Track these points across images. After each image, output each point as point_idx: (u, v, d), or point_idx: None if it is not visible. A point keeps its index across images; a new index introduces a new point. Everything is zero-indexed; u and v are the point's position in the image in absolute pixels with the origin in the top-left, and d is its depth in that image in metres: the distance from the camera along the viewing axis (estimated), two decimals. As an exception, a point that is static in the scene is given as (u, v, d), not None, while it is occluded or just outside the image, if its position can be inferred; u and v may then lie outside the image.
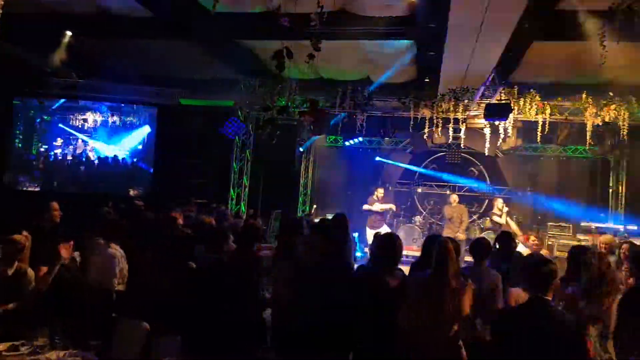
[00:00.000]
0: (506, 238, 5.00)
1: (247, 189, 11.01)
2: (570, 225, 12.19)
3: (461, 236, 9.39)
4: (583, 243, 10.54)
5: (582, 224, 11.88)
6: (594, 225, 11.35)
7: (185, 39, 9.72)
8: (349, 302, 3.48)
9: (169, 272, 4.08)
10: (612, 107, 8.85)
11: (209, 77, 11.91)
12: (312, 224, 5.77)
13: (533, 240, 7.03)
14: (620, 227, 10.97)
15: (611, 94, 8.98)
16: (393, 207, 10.87)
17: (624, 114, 8.87)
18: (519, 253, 5.05)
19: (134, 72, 11.91)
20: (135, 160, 13.42)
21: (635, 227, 11.11)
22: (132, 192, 13.32)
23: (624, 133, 9.15)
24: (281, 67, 3.88)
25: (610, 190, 13.04)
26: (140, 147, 13.45)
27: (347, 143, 12.71)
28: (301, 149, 12.58)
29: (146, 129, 13.25)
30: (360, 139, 11.84)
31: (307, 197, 13.98)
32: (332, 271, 3.65)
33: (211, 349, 3.52)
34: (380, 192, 10.56)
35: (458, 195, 10.73)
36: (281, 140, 10.10)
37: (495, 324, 3.16)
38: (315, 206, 12.94)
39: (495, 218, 10.08)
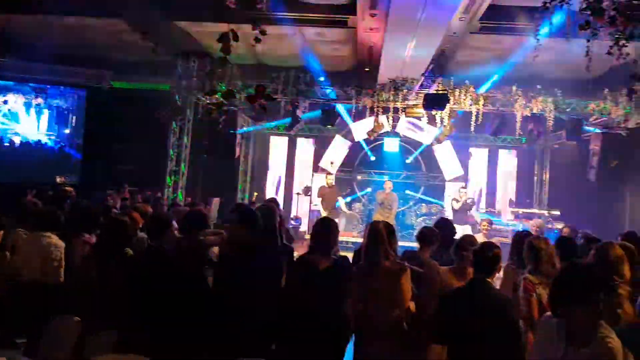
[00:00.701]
0: (445, 224, 5.16)
1: (184, 177, 10.68)
2: (500, 211, 12.88)
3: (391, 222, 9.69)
4: (511, 228, 11.20)
5: (511, 209, 12.57)
6: (521, 210, 12.03)
7: (116, 17, 9.26)
8: (274, 286, 3.44)
9: (105, 263, 3.88)
10: (540, 99, 9.35)
11: (144, 58, 11.41)
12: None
13: (484, 227, 7.42)
14: (545, 212, 11.68)
15: (539, 86, 9.47)
16: (341, 198, 11.04)
17: (550, 105, 9.40)
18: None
19: (61, 52, 11.20)
20: (62, 145, 12.66)
21: (558, 212, 11.88)
22: (59, 180, 12.60)
23: (549, 124, 9.71)
24: (227, 51, 3.75)
25: (535, 177, 13.86)
26: (67, 131, 12.72)
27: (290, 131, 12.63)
28: (238, 134, 12.34)
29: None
30: (302, 126, 11.82)
31: (247, 185, 13.81)
32: (257, 261, 3.52)
33: (151, 344, 3.36)
34: (330, 179, 10.75)
35: (395, 182, 11.03)
36: (221, 126, 9.95)
37: (440, 304, 3.25)
38: (256, 194, 12.81)
39: (454, 203, 10.52)
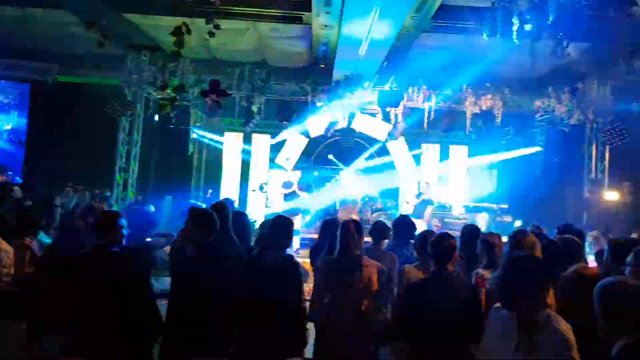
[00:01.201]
0: (405, 221, 5.27)
1: (135, 174, 10.38)
2: (452, 205, 13.22)
3: (355, 217, 9.80)
4: (462, 221, 11.54)
5: (462, 203, 12.95)
6: (471, 204, 12.42)
7: (58, 8, 8.87)
8: (230, 287, 3.43)
9: (53, 266, 3.73)
10: (489, 96, 9.68)
11: (92, 52, 11.00)
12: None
13: (435, 224, 7.67)
14: (494, 206, 12.11)
15: (488, 84, 9.79)
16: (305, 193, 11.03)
17: (498, 103, 9.75)
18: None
19: (3, 44, 10.62)
20: (5, 142, 12.05)
21: (507, 206, 12.35)
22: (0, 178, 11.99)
23: (498, 120, 10.08)
24: (180, 44, 3.68)
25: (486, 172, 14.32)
26: (8, 127, 12.10)
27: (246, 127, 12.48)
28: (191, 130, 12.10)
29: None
30: (258, 122, 11.74)
31: (201, 182, 13.58)
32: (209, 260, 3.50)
33: (99, 347, 3.27)
34: (297, 173, 10.72)
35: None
36: (177, 122, 9.77)
37: (405, 296, 3.32)
38: (210, 190, 12.62)
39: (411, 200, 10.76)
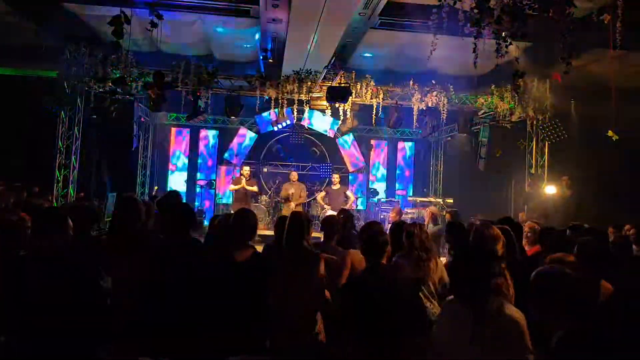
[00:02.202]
0: (346, 214, 5.33)
1: (75, 171, 9.92)
2: (399, 200, 13.48)
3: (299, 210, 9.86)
4: (410, 215, 11.77)
5: (409, 198, 13.21)
6: (418, 199, 12.68)
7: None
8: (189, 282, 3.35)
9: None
10: (434, 93, 9.89)
11: (28, 43, 10.42)
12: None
13: (393, 217, 7.79)
14: (440, 200, 12.41)
15: (433, 82, 10.00)
16: (256, 189, 10.86)
17: (443, 100, 9.97)
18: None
19: None
20: None
21: (451, 200, 12.69)
22: None
23: (443, 117, 10.32)
24: (119, 35, 3.52)
25: (431, 168, 14.68)
26: None
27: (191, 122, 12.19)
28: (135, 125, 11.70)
29: None
30: (207, 117, 11.52)
31: (146, 178, 13.18)
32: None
33: (48, 347, 3.09)
34: (246, 170, 10.56)
35: (300, 174, 11.11)
36: (116, 116, 9.37)
37: (344, 291, 3.33)
38: (156, 187, 12.27)
39: (348, 193, 10.81)
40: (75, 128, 9.79)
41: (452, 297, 2.60)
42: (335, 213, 7.27)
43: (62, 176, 9.72)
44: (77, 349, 3.06)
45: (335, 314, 3.41)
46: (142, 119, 12.34)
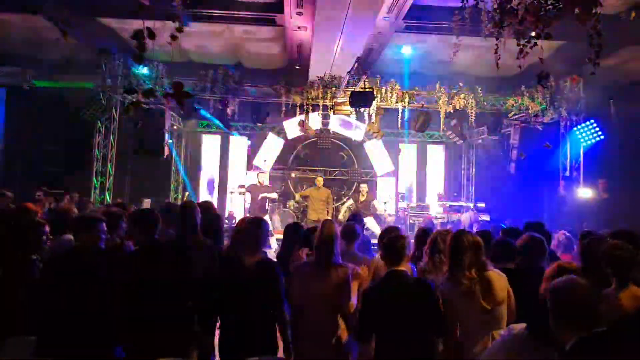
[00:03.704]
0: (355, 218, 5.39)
1: (112, 177, 10.32)
2: (428, 204, 13.32)
3: (326, 217, 9.91)
4: (440, 220, 11.66)
5: (439, 203, 13.06)
6: (448, 204, 12.53)
7: (33, 13, 8.83)
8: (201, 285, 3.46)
9: (16, 267, 3.73)
10: (462, 96, 9.77)
11: (66, 57, 10.93)
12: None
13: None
14: (471, 205, 12.23)
15: (461, 84, 9.89)
16: (275, 196, 10.98)
17: (471, 102, 9.84)
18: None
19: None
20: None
21: (484, 205, 12.48)
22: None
23: (472, 120, 10.18)
24: (142, 48, 3.66)
25: (462, 171, 14.47)
26: (-16, 132, 11.96)
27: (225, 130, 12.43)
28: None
29: None
30: (235, 124, 11.75)
31: (179, 185, 13.53)
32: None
33: (69, 348, 3.27)
34: (262, 177, 10.62)
35: (329, 179, 11.17)
36: (150, 125, 9.69)
37: (363, 297, 3.35)
38: (187, 193, 12.58)
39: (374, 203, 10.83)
40: (111, 137, 10.18)
41: (522, 328, 2.37)
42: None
43: (99, 183, 10.12)
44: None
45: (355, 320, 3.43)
46: (175, 127, 12.69)
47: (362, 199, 10.45)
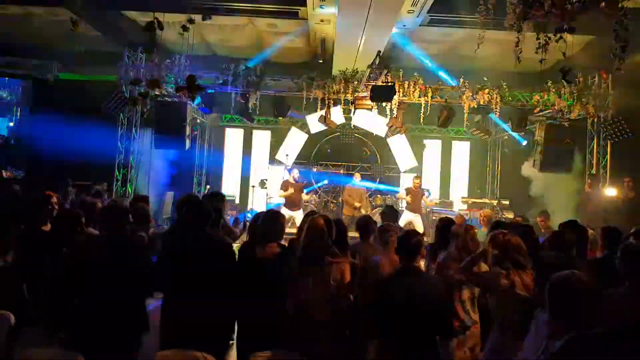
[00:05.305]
0: (390, 211, 5.36)
1: (133, 170, 10.44)
2: (452, 201, 13.16)
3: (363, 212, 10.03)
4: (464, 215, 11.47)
5: (462, 199, 12.88)
6: (471, 200, 12.35)
7: (59, 6, 8.99)
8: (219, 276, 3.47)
9: (44, 257, 3.81)
10: (486, 91, 9.57)
11: (92, 49, 11.11)
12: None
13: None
14: (494, 202, 12.03)
15: (485, 78, 9.69)
16: (305, 196, 10.85)
17: (496, 97, 9.63)
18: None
19: (4, 42, 10.76)
20: (6, 138, 12.17)
21: (507, 202, 12.26)
22: (5, 174, 12.15)
23: (497, 115, 9.98)
24: (153, 39, 3.70)
25: (487, 168, 14.23)
26: (11, 124, 12.23)
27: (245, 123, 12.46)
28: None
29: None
30: (257, 118, 11.77)
31: (202, 178, 13.64)
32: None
33: (94, 341, 3.31)
34: (295, 173, 10.51)
35: (350, 174, 11.13)
36: (172, 118, 9.76)
37: (375, 291, 3.32)
38: (208, 186, 12.67)
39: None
40: (134, 129, 10.30)
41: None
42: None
43: (121, 175, 10.25)
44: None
45: (361, 314, 3.40)
46: (198, 120, 12.78)
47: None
